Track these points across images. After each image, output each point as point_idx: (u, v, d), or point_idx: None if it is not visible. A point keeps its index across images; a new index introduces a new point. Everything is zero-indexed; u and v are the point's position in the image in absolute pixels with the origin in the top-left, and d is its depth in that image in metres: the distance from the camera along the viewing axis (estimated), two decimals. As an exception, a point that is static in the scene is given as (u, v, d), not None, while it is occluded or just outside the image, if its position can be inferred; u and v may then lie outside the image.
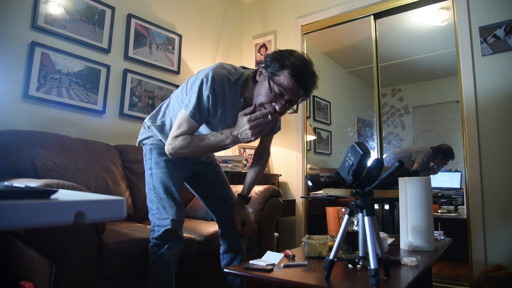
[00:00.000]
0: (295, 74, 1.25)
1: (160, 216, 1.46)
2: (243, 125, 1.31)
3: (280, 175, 3.22)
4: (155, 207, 1.48)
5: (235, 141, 1.35)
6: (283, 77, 1.26)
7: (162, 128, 1.56)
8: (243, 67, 1.50)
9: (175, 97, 1.55)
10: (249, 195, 1.73)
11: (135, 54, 2.68)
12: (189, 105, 1.35)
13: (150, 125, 1.59)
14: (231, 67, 1.44)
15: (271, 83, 1.28)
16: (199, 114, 1.36)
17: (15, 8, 2.08)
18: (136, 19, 2.71)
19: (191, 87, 1.41)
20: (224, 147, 1.40)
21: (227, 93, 1.37)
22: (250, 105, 1.38)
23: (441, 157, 3.22)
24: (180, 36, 3.03)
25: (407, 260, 1.14)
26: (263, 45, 3.57)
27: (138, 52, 2.71)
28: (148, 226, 1.86)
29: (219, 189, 1.72)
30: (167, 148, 1.40)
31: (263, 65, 1.33)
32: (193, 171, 1.66)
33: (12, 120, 2.00)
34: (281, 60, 1.27)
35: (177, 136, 1.38)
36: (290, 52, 1.30)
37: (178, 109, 1.49)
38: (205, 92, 1.33)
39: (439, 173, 3.22)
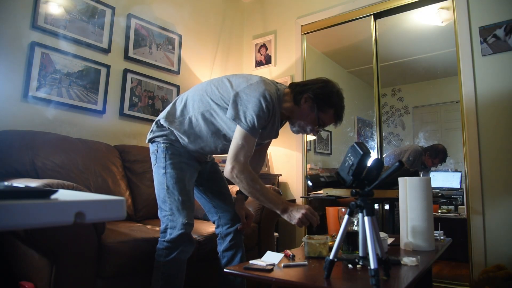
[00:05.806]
0: (338, 114, 1.52)
1: (173, 218, 1.45)
2: (300, 212, 1.39)
3: (280, 175, 3.21)
4: (168, 208, 1.47)
5: (283, 213, 1.42)
6: (329, 116, 1.51)
7: (180, 128, 1.55)
8: (274, 82, 1.57)
9: (198, 98, 1.54)
10: None
11: (135, 54, 2.68)
12: (248, 123, 1.38)
13: (167, 126, 1.56)
14: (273, 82, 1.54)
15: (319, 116, 1.50)
16: (259, 130, 1.43)
17: (15, 8, 2.08)
18: (136, 19, 2.71)
19: (241, 103, 1.40)
20: (271, 207, 1.46)
21: (277, 111, 1.46)
22: (283, 119, 1.56)
23: (428, 154, 3.20)
24: (180, 36, 3.03)
25: (407, 260, 1.14)
26: (263, 45, 3.57)
27: (138, 52, 2.71)
28: (148, 226, 1.86)
29: (221, 186, 1.75)
30: (231, 170, 1.40)
31: (311, 95, 1.48)
32: (198, 170, 1.66)
33: (12, 120, 2.00)
34: (329, 98, 1.49)
35: (245, 162, 1.41)
36: (332, 89, 1.51)
37: (202, 107, 1.51)
38: (265, 112, 1.39)
39: (439, 173, 3.22)
